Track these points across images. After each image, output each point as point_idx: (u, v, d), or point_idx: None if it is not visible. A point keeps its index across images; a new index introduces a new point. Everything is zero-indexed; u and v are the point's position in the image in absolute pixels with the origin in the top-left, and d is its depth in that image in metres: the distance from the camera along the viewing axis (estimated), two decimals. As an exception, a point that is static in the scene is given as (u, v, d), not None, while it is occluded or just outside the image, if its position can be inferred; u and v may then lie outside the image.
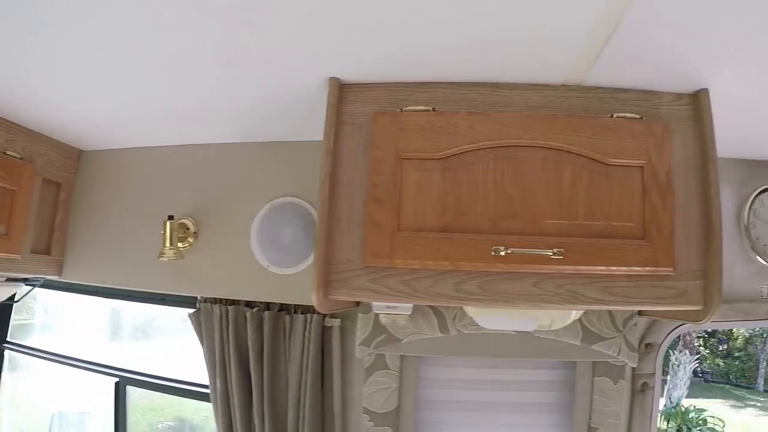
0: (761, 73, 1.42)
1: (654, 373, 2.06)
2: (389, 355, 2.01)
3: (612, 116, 1.42)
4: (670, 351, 14.37)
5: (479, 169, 1.38)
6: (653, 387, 2.06)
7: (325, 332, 2.03)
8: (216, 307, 2.05)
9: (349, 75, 1.48)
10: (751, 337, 16.51)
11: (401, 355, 2.02)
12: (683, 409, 12.46)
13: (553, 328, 1.71)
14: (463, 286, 1.35)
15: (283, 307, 2.06)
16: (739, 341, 16.91)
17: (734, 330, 16.47)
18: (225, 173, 2.12)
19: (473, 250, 1.32)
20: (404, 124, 1.42)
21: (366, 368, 2.03)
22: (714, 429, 12.23)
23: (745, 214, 2.12)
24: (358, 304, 1.81)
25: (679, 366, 13.57)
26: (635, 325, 1.93)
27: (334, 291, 1.39)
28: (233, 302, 2.06)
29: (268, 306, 2.06)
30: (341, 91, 1.49)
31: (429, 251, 1.34)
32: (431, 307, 1.93)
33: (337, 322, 2.02)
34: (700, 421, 12.23)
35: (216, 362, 2.05)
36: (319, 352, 2.01)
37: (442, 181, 1.38)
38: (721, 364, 16.80)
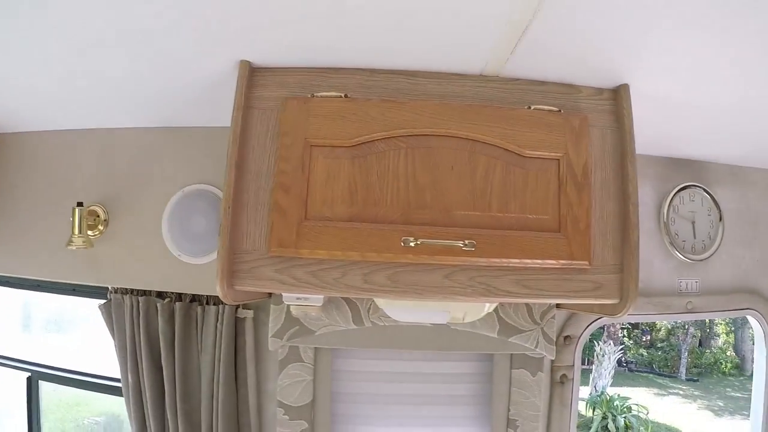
0: (680, 70, 1.42)
1: (573, 365, 2.07)
2: (303, 348, 1.96)
3: (530, 108, 1.40)
4: (595, 342, 14.78)
5: (390, 158, 1.33)
6: (573, 379, 2.07)
7: (238, 324, 1.97)
8: (127, 298, 1.96)
9: (261, 58, 1.42)
10: (673, 328, 17.09)
11: (315, 348, 1.97)
12: (608, 398, 12.80)
13: (466, 321, 1.69)
14: (372, 277, 1.30)
15: (196, 298, 1.99)
16: (661, 332, 17.48)
17: (657, 322, 17.00)
18: (136, 159, 2.03)
19: (382, 241, 1.28)
20: (314, 110, 1.36)
21: (279, 361, 1.97)
22: (638, 416, 12.60)
23: (665, 210, 2.15)
24: (270, 295, 1.76)
25: (603, 356, 13.96)
26: (553, 318, 1.93)
27: (240, 281, 1.33)
28: (145, 293, 1.98)
29: (180, 297, 1.99)
30: (252, 75, 1.42)
31: (336, 241, 1.29)
32: (345, 298, 1.89)
33: (250, 314, 1.96)
34: (625, 409, 12.58)
35: (127, 356, 1.97)
36: (231, 344, 1.95)
37: (351, 170, 1.33)
38: (645, 354, 17.33)
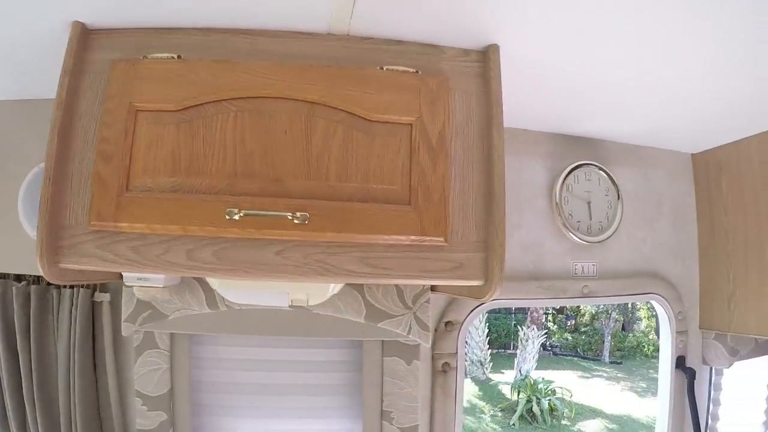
0: (562, 33, 1.32)
1: (456, 353, 1.95)
2: (158, 333, 1.81)
3: (382, 69, 1.25)
4: (519, 326, 15.12)
5: (218, 123, 1.17)
6: (456, 367, 1.95)
7: (95, 308, 1.82)
8: None
9: (95, 19, 1.26)
10: (597, 313, 17.63)
11: (171, 333, 1.83)
12: (532, 381, 13.06)
13: (311, 303, 1.54)
14: (196, 253, 1.15)
15: None
16: (585, 317, 18.00)
17: (581, 306, 17.44)
18: None
19: (205, 213, 1.12)
20: (143, 72, 1.20)
21: (135, 347, 1.82)
22: (562, 398, 12.88)
23: (558, 189, 2.05)
24: (121, 275, 1.58)
25: (527, 341, 14.29)
26: (427, 302, 1.80)
27: (64, 258, 1.17)
28: (2, 276, 1.84)
29: (38, 279, 1.84)
30: (86, 38, 1.26)
31: (157, 214, 1.13)
32: (198, 279, 1.74)
33: (106, 297, 1.81)
34: (549, 392, 12.85)
35: None
36: (87, 329, 1.80)
37: (176, 136, 1.17)
38: (569, 338, 17.82)
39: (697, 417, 2.30)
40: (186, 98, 1.18)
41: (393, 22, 1.26)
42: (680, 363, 2.33)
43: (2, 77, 1.71)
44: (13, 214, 1.79)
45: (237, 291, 1.54)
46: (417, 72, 1.26)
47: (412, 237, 1.17)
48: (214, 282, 1.53)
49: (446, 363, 1.93)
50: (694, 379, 2.31)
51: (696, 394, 2.32)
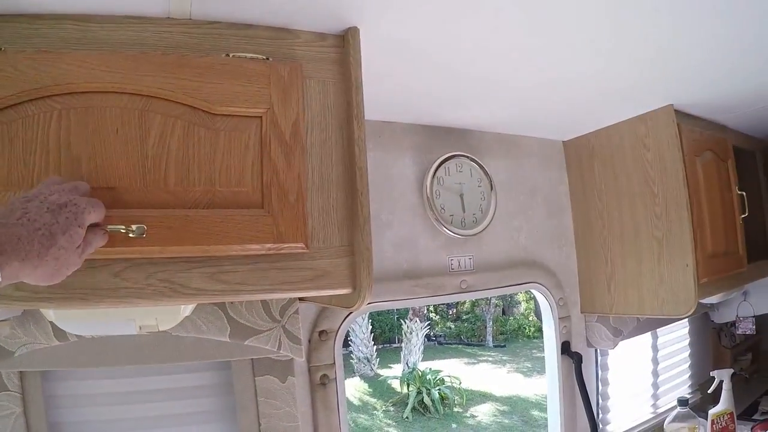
0: (422, 13, 1.22)
1: (334, 363, 1.83)
2: (6, 373, 1.58)
3: (228, 56, 1.11)
4: (402, 320, 15.36)
5: (40, 124, 0.98)
6: (335, 378, 1.83)
7: None
8: None
9: None
10: (477, 300, 18.25)
11: (20, 372, 1.60)
12: (420, 373, 13.27)
13: (162, 329, 1.37)
14: (23, 282, 0.95)
15: None
16: (466, 305, 18.56)
17: (461, 295, 17.98)
18: None
19: (25, 233, 0.93)
20: None
21: None
22: (452, 386, 13.15)
23: (428, 182, 1.98)
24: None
25: (411, 333, 14.53)
26: (296, 313, 1.67)
27: None
28: None
29: None
30: None
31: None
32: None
33: None
34: (438, 381, 13.09)
35: None
36: None
37: (-8, 141, 0.97)
38: (452, 326, 18.32)
39: (588, 399, 2.33)
40: (2, 96, 0.98)
41: (240, 4, 1.11)
42: (566, 348, 2.36)
43: None
44: None
45: (76, 322, 1.34)
46: (267, 59, 1.12)
47: (268, 245, 1.04)
48: (49, 313, 1.32)
49: (324, 375, 1.80)
50: (581, 363, 2.35)
51: (584, 376, 2.36)
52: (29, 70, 1.00)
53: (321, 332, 1.80)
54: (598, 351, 2.54)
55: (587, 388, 2.36)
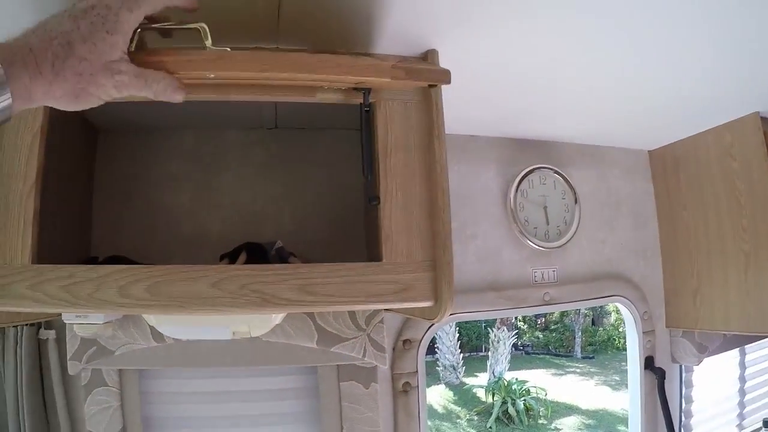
0: (499, 32, 1.26)
1: (416, 372, 1.88)
2: (106, 370, 1.72)
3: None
4: (489, 328, 15.18)
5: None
6: (417, 387, 1.88)
7: (41, 346, 1.73)
8: None
9: None
10: (566, 310, 17.79)
11: (120, 369, 1.74)
12: (506, 383, 13.10)
13: (253, 335, 1.46)
14: (129, 290, 1.05)
15: None
16: (555, 314, 18.17)
17: (550, 305, 17.60)
18: None
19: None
20: None
21: (84, 386, 1.73)
22: (537, 398, 12.93)
23: (512, 196, 2.00)
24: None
25: (498, 342, 14.33)
26: (381, 322, 1.73)
27: None
28: None
29: None
30: None
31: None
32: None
33: (52, 334, 1.72)
34: (524, 392, 12.89)
35: None
36: (35, 368, 1.71)
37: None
38: (540, 336, 17.93)
39: (670, 416, 2.27)
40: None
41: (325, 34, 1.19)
42: (649, 363, 2.30)
43: None
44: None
45: (175, 326, 1.45)
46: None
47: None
48: (150, 318, 1.44)
49: (407, 383, 1.86)
50: (664, 379, 2.28)
51: (667, 393, 2.29)
52: None
53: (405, 341, 1.85)
54: (683, 367, 2.47)
55: (670, 406, 2.31)
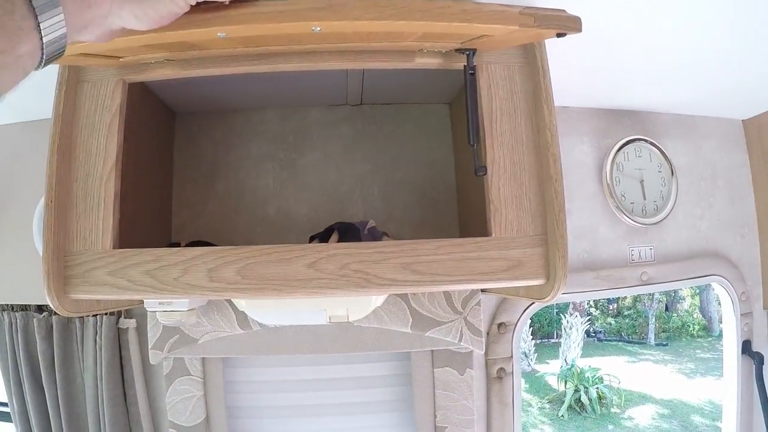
0: None
1: (511, 357, 1.80)
2: (189, 359, 1.70)
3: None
4: (562, 315, 15.03)
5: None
6: (512, 372, 1.80)
7: (121, 335, 1.72)
8: (6, 315, 1.75)
9: None
10: (639, 295, 17.49)
11: (203, 358, 1.71)
12: (579, 370, 12.97)
13: (352, 319, 1.39)
14: (219, 272, 1.01)
15: None
16: (628, 300, 17.88)
17: (623, 289, 17.37)
18: (3, 159, 1.83)
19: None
20: None
21: (165, 375, 1.71)
22: (610, 386, 12.77)
23: (608, 169, 1.90)
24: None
25: (571, 328, 14.21)
26: (478, 305, 1.65)
27: (74, 289, 1.06)
28: (24, 308, 1.76)
29: None
30: None
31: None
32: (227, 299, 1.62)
33: (132, 323, 1.71)
34: (596, 380, 12.74)
35: (10, 378, 1.75)
36: (114, 358, 1.70)
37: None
38: (613, 322, 17.69)
39: None
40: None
41: None
42: (746, 348, 2.18)
43: (9, 97, 1.60)
44: (30, 243, 1.70)
45: (267, 311, 1.40)
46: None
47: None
48: (241, 303, 1.39)
49: (501, 368, 1.78)
50: (763, 364, 2.15)
51: (765, 379, 2.16)
52: None
53: (500, 325, 1.77)
54: None
55: (768, 393, 2.19)
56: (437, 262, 1.02)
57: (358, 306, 1.36)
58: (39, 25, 0.54)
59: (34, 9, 0.53)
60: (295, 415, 1.79)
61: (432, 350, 1.71)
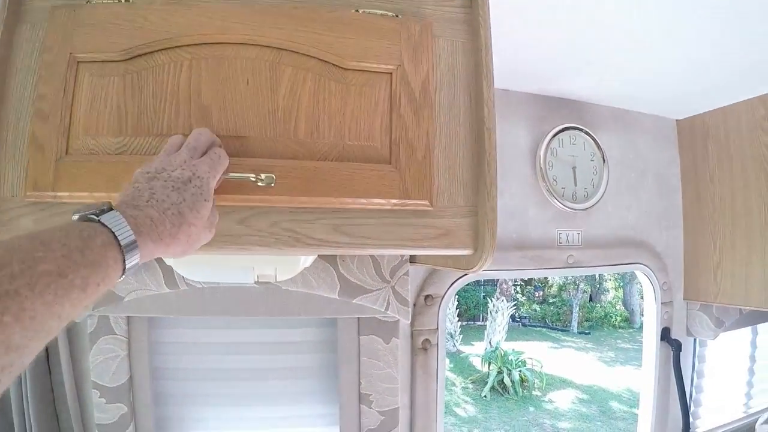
0: None
1: (437, 329, 1.83)
2: (114, 318, 1.66)
3: (358, 11, 1.09)
4: (489, 298, 15.30)
5: (170, 73, 1.01)
6: (437, 344, 1.83)
7: None
8: None
9: None
10: (564, 284, 17.95)
11: (128, 317, 1.68)
12: (503, 353, 13.22)
13: (280, 279, 1.40)
14: (148, 226, 0.99)
15: None
16: (553, 288, 18.34)
17: (549, 278, 17.69)
18: None
19: (155, 178, 0.96)
20: (85, 19, 1.03)
21: (90, 334, 1.67)
22: (532, 369, 13.06)
23: (542, 153, 1.95)
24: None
25: (497, 312, 14.50)
26: (406, 274, 1.67)
27: None
28: None
29: None
30: None
31: (101, 179, 0.97)
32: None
33: None
34: (519, 363, 13.01)
35: None
36: None
37: (122, 89, 1.01)
38: (538, 309, 18.14)
39: (684, 389, 2.27)
40: (133, 46, 1.01)
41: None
42: (665, 335, 2.29)
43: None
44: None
45: (196, 268, 1.39)
46: (397, 16, 1.10)
47: (394, 201, 1.02)
48: (169, 259, 1.37)
49: (426, 340, 1.81)
50: (680, 351, 2.27)
51: (682, 366, 2.30)
52: (159, 21, 1.02)
53: (427, 296, 1.80)
54: (697, 341, 2.47)
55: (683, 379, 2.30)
56: (367, 225, 1.03)
57: (287, 266, 1.36)
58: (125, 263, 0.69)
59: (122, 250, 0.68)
60: (220, 378, 1.78)
61: (358, 318, 1.73)
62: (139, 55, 1.02)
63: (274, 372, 1.80)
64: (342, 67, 1.05)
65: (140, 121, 1.00)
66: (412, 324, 1.83)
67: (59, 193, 0.98)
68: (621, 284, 18.34)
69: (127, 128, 1.00)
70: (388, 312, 1.67)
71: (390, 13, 1.10)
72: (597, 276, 18.47)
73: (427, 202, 1.05)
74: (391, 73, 1.07)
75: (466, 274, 1.81)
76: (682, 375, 2.28)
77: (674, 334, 2.32)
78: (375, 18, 1.08)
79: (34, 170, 0.99)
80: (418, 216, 1.06)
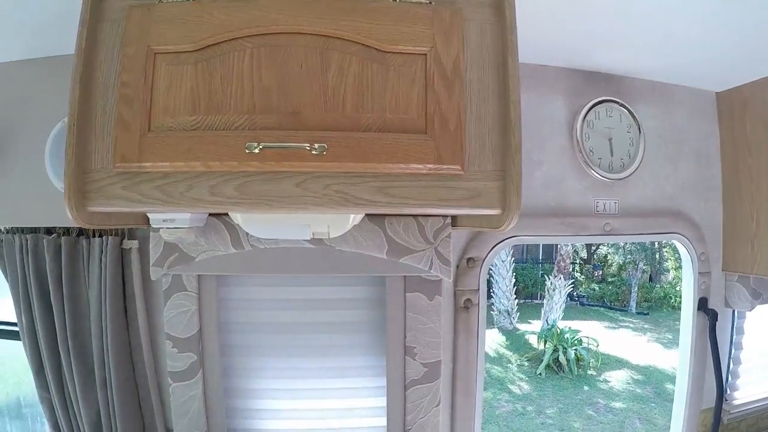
0: None
1: (478, 290, 1.98)
2: (186, 276, 1.88)
3: (395, 0, 1.24)
4: (546, 276, 15.11)
5: (235, 60, 1.20)
6: (478, 304, 1.98)
7: (124, 255, 1.90)
8: (17, 237, 1.90)
9: None
10: (624, 263, 17.54)
11: (199, 275, 1.89)
12: (559, 331, 13.08)
13: (332, 236, 1.57)
14: (219, 189, 1.18)
15: (83, 232, 1.90)
16: (613, 267, 17.95)
17: (609, 256, 17.37)
18: (14, 93, 1.96)
19: (225, 149, 1.15)
20: (158, 16, 1.23)
21: (164, 291, 1.88)
22: (588, 348, 12.90)
23: (578, 126, 2.05)
24: (148, 221, 1.62)
25: (554, 290, 14.30)
26: (448, 237, 1.82)
27: (91, 202, 1.21)
28: (34, 230, 1.91)
29: (67, 231, 1.90)
30: None
31: (179, 152, 1.16)
32: (222, 221, 1.80)
33: (135, 244, 1.89)
34: (575, 341, 12.86)
35: (20, 297, 1.91)
36: (117, 276, 1.87)
37: (194, 75, 1.20)
38: (596, 288, 17.79)
39: (719, 359, 2.30)
40: (202, 38, 1.20)
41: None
42: (702, 305, 2.33)
43: (21, 37, 1.78)
44: (42, 170, 1.84)
45: (259, 225, 1.56)
46: (430, 3, 1.25)
47: (429, 166, 1.18)
48: (236, 217, 1.57)
49: (468, 299, 1.96)
50: (716, 321, 2.31)
51: (718, 338, 2.32)
52: (222, 16, 1.21)
53: (469, 259, 1.95)
54: (735, 313, 2.49)
55: (719, 350, 2.34)
56: (408, 187, 1.19)
57: (338, 223, 1.54)
58: None
59: None
60: (279, 331, 1.97)
61: (404, 276, 1.90)
62: (208, 46, 1.21)
63: (328, 326, 1.98)
64: (382, 51, 1.21)
65: (211, 101, 1.19)
66: (455, 284, 1.98)
67: (144, 164, 1.18)
68: (681, 264, 17.83)
69: (200, 108, 1.19)
70: (431, 271, 1.82)
71: (424, 1, 1.25)
72: (657, 256, 18.12)
73: (458, 167, 1.21)
74: (425, 55, 1.22)
75: (506, 239, 1.95)
76: (717, 345, 2.33)
77: (711, 305, 2.36)
78: (410, 6, 1.24)
79: (122, 145, 1.19)
80: (451, 179, 1.22)
